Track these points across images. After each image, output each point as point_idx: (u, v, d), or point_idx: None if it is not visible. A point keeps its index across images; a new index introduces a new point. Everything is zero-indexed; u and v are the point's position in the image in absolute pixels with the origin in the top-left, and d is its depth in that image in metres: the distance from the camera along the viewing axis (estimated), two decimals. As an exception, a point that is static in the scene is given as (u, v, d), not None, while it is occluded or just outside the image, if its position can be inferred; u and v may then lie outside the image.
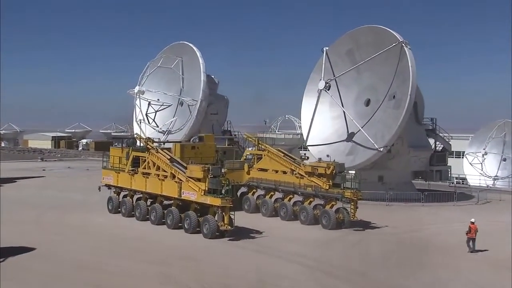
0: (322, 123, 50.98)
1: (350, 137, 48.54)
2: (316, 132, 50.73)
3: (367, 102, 49.15)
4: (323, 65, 49.58)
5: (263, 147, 41.97)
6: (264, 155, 41.51)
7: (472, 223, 28.57)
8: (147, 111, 62.84)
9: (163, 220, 34.49)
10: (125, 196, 38.99)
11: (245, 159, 43.40)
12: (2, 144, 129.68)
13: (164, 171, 35.05)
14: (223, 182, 31.43)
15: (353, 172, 54.34)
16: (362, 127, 46.56)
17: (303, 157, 46.29)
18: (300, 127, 70.95)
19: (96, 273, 23.70)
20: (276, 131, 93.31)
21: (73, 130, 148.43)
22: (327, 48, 51.07)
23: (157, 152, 36.05)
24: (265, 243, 30.00)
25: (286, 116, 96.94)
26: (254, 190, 41.89)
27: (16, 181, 57.69)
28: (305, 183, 37.40)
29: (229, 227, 31.03)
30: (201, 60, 58.65)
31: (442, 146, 50.62)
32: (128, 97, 64.16)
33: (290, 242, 30.17)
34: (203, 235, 31.27)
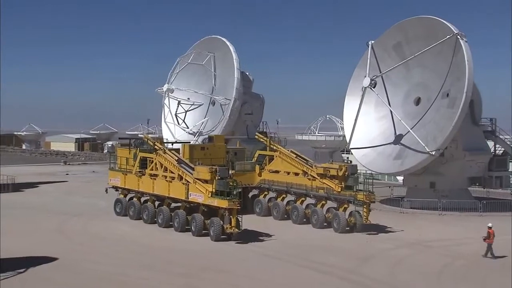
0: (366, 124, 50.49)
1: (398, 139, 47.96)
2: (360, 134, 50.27)
3: (417, 101, 48.47)
4: (368, 60, 49.12)
5: (274, 147, 43.20)
6: (276, 156, 42.75)
7: (490, 228, 29.30)
8: (176, 111, 63.45)
9: (170, 223, 35.93)
10: (131, 199, 40.40)
11: (256, 160, 44.71)
12: (23, 147, 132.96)
13: (172, 172, 36.39)
14: (231, 184, 32.58)
15: (401, 177, 53.75)
16: (411, 128, 45.93)
17: (346, 161, 46.16)
18: (342, 128, 70.43)
19: (119, 285, 24.07)
20: (316, 132, 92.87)
21: (98, 132, 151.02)
22: (372, 41, 50.60)
23: (165, 153, 37.31)
24: (279, 249, 30.60)
25: (327, 116, 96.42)
26: (266, 193, 43.41)
27: (38, 186, 59.14)
28: (317, 185, 38.76)
29: (236, 230, 32.32)
30: (234, 56, 58.88)
31: (502, 149, 49.48)
32: (157, 96, 65.02)
33: (313, 250, 30.09)
34: (210, 238, 32.64)
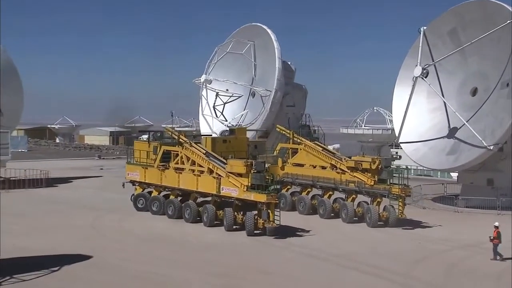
0: (417, 116, 49.70)
1: (452, 133, 47.06)
2: (410, 127, 49.53)
3: (474, 91, 47.38)
4: (420, 47, 48.21)
5: (298, 140, 44.65)
6: (300, 149, 44.16)
7: (497, 227, 28.84)
8: (214, 103, 63.70)
9: (197, 218, 36.96)
10: (149, 193, 41.42)
11: (278, 153, 46.11)
12: (57, 140, 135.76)
13: (201, 166, 37.28)
14: (267, 177, 33.55)
15: (455, 174, 52.67)
16: (467, 121, 44.96)
17: (394, 156, 45.82)
18: (391, 121, 69.51)
19: (156, 286, 24.23)
20: (363, 125, 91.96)
21: (133, 125, 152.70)
22: (424, 28, 49.63)
23: (191, 146, 38.15)
24: (319, 246, 30.84)
25: (375, 108, 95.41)
26: (289, 187, 44.88)
27: (71, 181, 60.27)
28: (347, 179, 39.97)
29: (275, 224, 33.25)
30: (276, 44, 58.62)
31: None
32: (194, 87, 65.40)
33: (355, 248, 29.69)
34: (246, 233, 33.48)
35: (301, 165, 43.81)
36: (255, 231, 33.55)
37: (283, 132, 47.04)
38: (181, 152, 38.77)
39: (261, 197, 33.10)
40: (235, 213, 34.96)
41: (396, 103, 51.83)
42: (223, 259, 28.50)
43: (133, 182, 42.92)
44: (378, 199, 38.59)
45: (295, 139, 45.14)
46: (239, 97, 62.81)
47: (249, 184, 33.79)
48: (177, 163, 39.13)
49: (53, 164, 75.22)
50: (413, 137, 49.35)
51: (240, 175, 34.36)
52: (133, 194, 42.59)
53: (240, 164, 34.25)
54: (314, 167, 42.89)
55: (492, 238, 28.97)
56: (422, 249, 31.66)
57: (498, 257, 28.90)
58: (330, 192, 41.77)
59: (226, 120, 62.00)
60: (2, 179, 55.31)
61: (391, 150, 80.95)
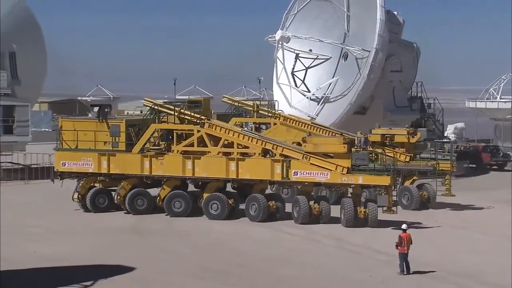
0: None
1: None
2: None
3: None
4: None
5: (269, 114, 49.79)
6: (275, 123, 48.88)
7: (404, 231, 28.85)
8: (293, 68, 64.00)
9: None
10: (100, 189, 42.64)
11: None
12: (90, 116, 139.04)
13: (243, 147, 40.09)
14: (372, 156, 38.37)
15: None
16: None
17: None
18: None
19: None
20: (498, 97, 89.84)
21: (187, 96, 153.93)
22: None
23: (213, 124, 40.46)
24: (438, 259, 29.71)
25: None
26: None
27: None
28: None
29: (393, 210, 37.71)
30: (377, -12, 58.37)
31: None
32: (267, 47, 65.85)
33: None
34: (342, 224, 37.31)
35: None
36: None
37: (243, 105, 52.85)
38: (201, 131, 40.43)
39: (382, 180, 36.76)
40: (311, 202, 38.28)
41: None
42: (316, 280, 28.75)
43: (62, 175, 43.15)
44: (415, 177, 43.85)
45: (264, 113, 50.13)
46: (327, 59, 62.87)
47: (351, 166, 37.21)
48: (189, 145, 40.72)
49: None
50: None
51: (328, 155, 37.34)
52: (77, 191, 42.33)
53: (337, 142, 37.50)
54: (300, 144, 45.33)
55: (398, 244, 28.52)
56: None
57: (404, 269, 28.39)
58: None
59: (309, 91, 62.23)
60: (21, 166, 57.05)
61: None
